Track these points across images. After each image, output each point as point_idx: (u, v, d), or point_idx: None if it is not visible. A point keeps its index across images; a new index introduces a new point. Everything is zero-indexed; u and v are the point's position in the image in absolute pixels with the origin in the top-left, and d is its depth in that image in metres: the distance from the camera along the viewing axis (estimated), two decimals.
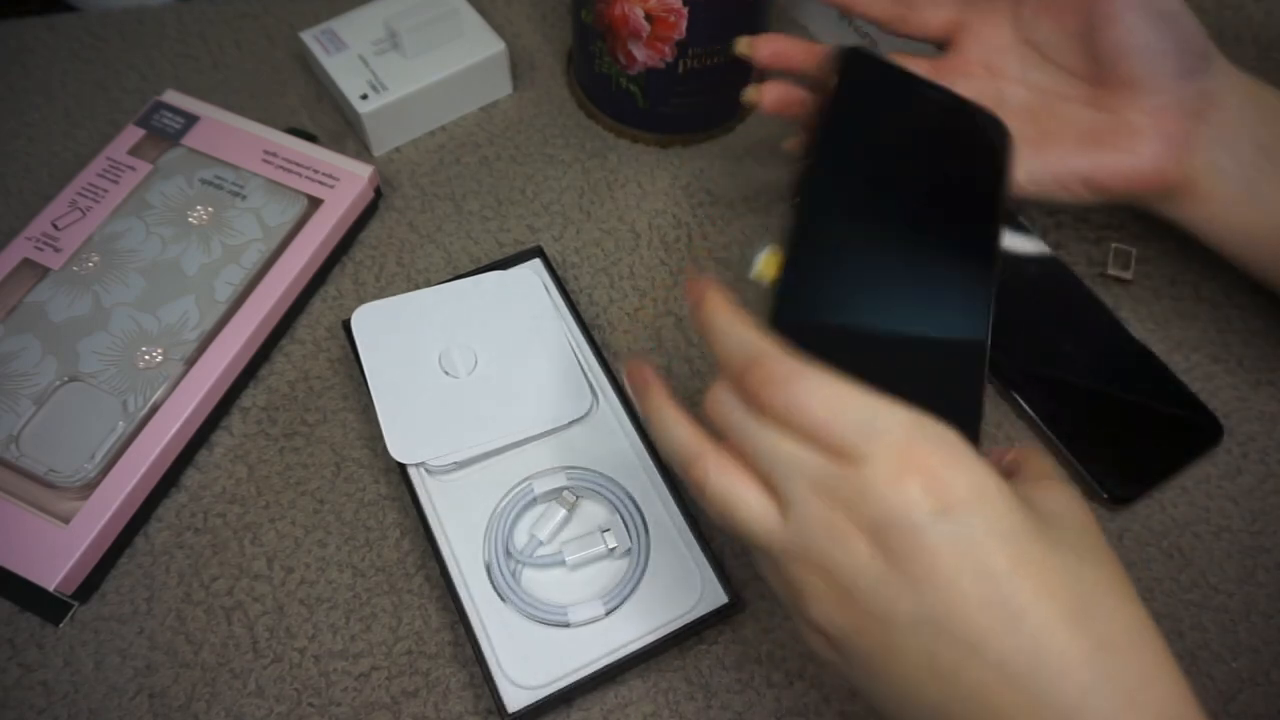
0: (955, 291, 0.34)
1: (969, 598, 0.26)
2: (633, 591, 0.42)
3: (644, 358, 0.34)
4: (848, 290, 0.33)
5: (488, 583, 0.42)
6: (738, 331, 0.30)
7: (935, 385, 0.32)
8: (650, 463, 0.45)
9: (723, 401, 0.30)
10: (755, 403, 0.29)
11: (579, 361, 0.48)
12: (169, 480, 0.46)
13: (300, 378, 0.50)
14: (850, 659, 0.29)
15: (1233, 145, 0.36)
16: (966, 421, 0.31)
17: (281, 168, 0.54)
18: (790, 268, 0.32)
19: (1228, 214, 0.37)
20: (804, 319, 0.31)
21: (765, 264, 0.32)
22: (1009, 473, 0.31)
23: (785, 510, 0.29)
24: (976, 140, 0.37)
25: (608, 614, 0.42)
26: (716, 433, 0.31)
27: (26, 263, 0.50)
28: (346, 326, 0.49)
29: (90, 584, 0.44)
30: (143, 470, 0.44)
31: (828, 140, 0.35)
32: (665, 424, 0.32)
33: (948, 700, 0.27)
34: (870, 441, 0.27)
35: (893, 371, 0.31)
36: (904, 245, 0.34)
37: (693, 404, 0.48)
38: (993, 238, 0.35)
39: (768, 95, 0.40)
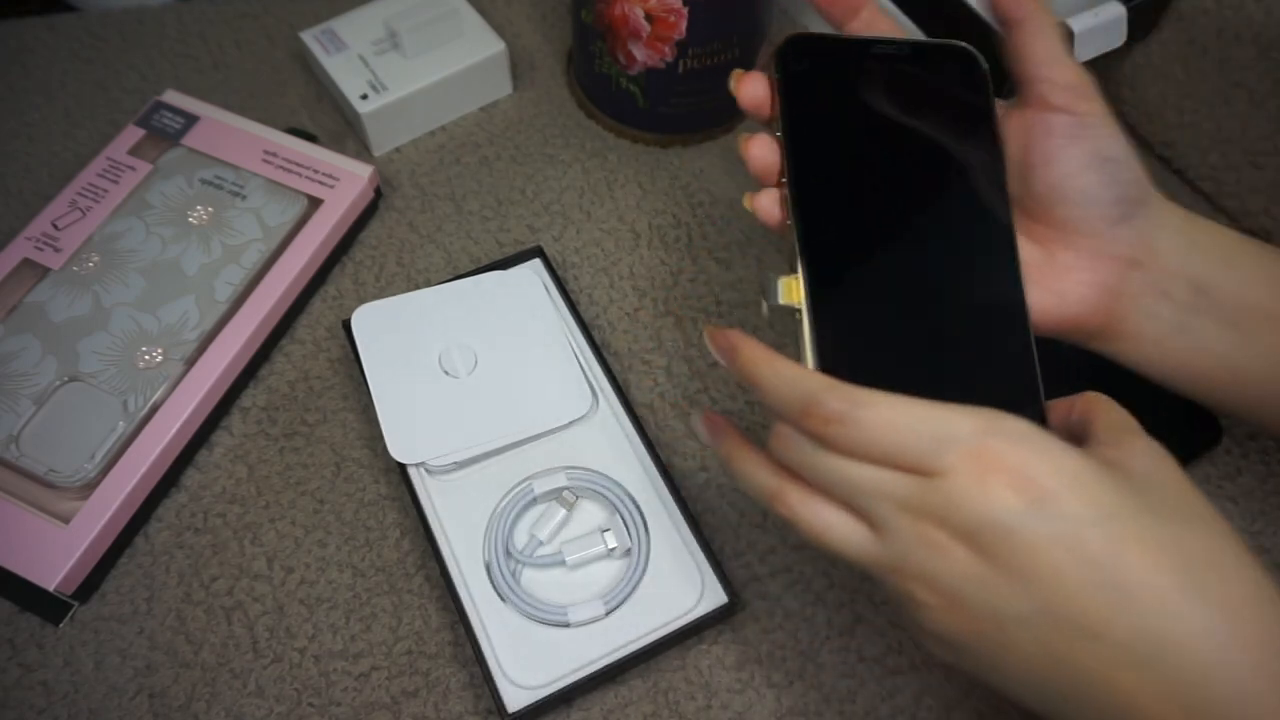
0: (980, 251, 0.32)
1: (1078, 586, 0.26)
2: (633, 591, 0.42)
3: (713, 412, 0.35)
4: (878, 298, 0.31)
5: (488, 583, 0.42)
6: (785, 374, 0.30)
7: (989, 362, 0.31)
8: (650, 463, 0.45)
9: (788, 439, 0.30)
10: (822, 441, 0.29)
11: (579, 361, 0.48)
12: (169, 480, 0.46)
13: (300, 378, 0.50)
14: (969, 659, 0.29)
15: (1167, 288, 0.34)
16: (1028, 389, 0.31)
17: (281, 168, 0.54)
18: (814, 300, 0.31)
19: (1159, 353, 0.35)
20: (847, 349, 0.30)
21: (787, 290, 0.31)
22: (1081, 432, 0.31)
23: (877, 530, 0.29)
24: (949, 80, 0.35)
25: (608, 614, 0.42)
26: (791, 470, 0.31)
27: (26, 263, 0.50)
28: (346, 326, 0.49)
29: (90, 584, 0.44)
30: (143, 470, 0.44)
31: (796, 145, 0.33)
32: (743, 465, 0.32)
33: (1073, 687, 0.27)
34: (946, 452, 0.27)
35: (948, 364, 0.31)
36: (915, 223, 0.33)
37: (691, 406, 0.49)
38: (1000, 175, 0.33)
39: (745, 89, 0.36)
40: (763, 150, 0.34)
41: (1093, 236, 0.34)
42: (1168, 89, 0.60)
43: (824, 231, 0.32)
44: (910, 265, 0.32)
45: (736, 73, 0.35)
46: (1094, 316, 0.35)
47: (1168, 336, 0.35)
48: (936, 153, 0.34)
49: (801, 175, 0.33)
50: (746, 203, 0.34)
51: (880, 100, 0.34)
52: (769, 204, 0.34)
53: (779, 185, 0.33)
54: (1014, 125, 0.34)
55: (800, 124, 0.33)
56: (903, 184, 0.33)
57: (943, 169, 0.34)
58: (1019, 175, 0.34)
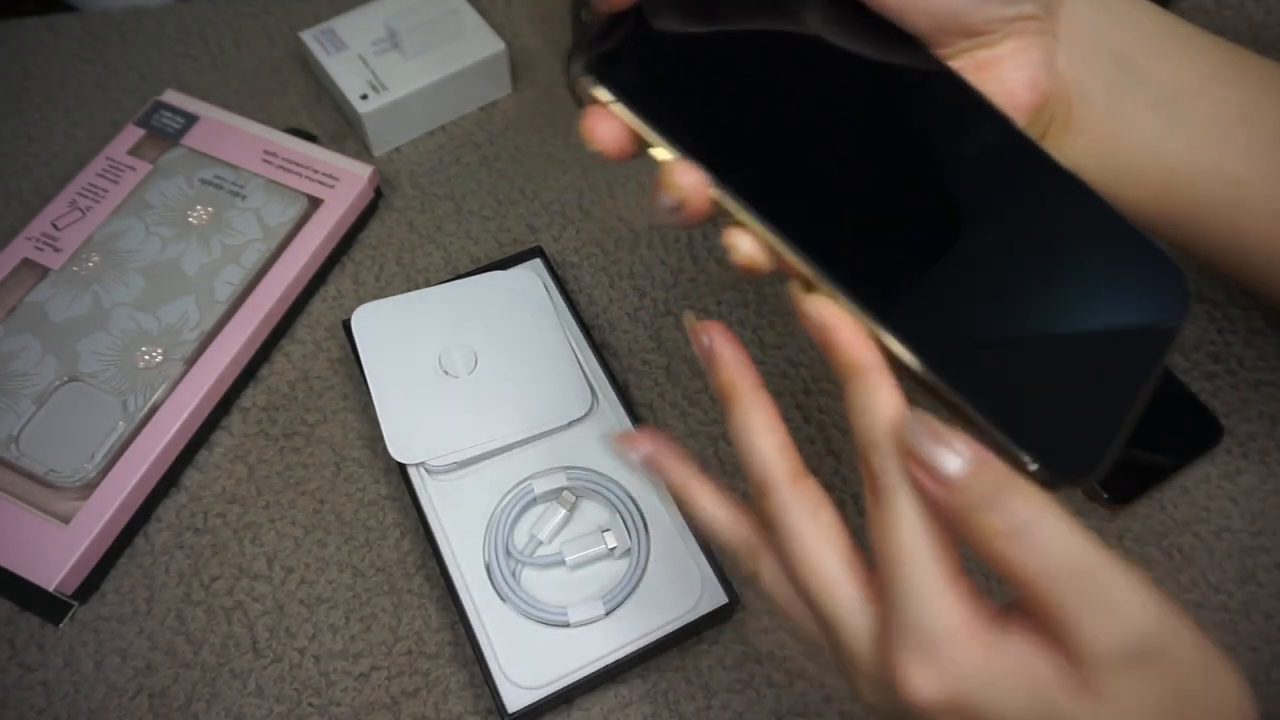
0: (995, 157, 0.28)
1: None
2: (633, 591, 0.42)
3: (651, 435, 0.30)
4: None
5: (488, 583, 0.42)
6: (756, 448, 0.27)
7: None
8: None
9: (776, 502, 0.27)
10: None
11: (579, 361, 0.48)
12: (169, 480, 0.46)
13: (300, 378, 0.50)
14: None
15: (1090, 60, 0.32)
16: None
17: (281, 168, 0.54)
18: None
19: (1100, 144, 0.32)
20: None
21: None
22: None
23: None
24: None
25: (608, 614, 0.42)
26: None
27: (26, 263, 0.50)
28: (346, 326, 0.49)
29: (90, 584, 0.44)
30: (143, 470, 0.44)
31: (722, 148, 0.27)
32: (706, 506, 0.29)
33: None
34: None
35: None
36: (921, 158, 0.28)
37: (691, 406, 0.49)
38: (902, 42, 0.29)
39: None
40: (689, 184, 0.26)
41: (998, 16, 0.30)
42: None
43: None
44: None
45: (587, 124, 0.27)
46: (1043, 101, 0.31)
47: (1106, 124, 0.32)
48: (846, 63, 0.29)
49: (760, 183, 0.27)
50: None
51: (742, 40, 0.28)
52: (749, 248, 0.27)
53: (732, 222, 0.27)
54: None
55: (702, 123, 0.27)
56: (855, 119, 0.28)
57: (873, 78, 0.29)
58: (898, 12, 0.30)
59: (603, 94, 0.26)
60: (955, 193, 0.28)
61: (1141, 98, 0.32)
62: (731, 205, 0.26)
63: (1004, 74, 0.31)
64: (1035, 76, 0.31)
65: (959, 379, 0.25)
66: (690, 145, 0.26)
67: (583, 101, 0.27)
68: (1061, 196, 0.28)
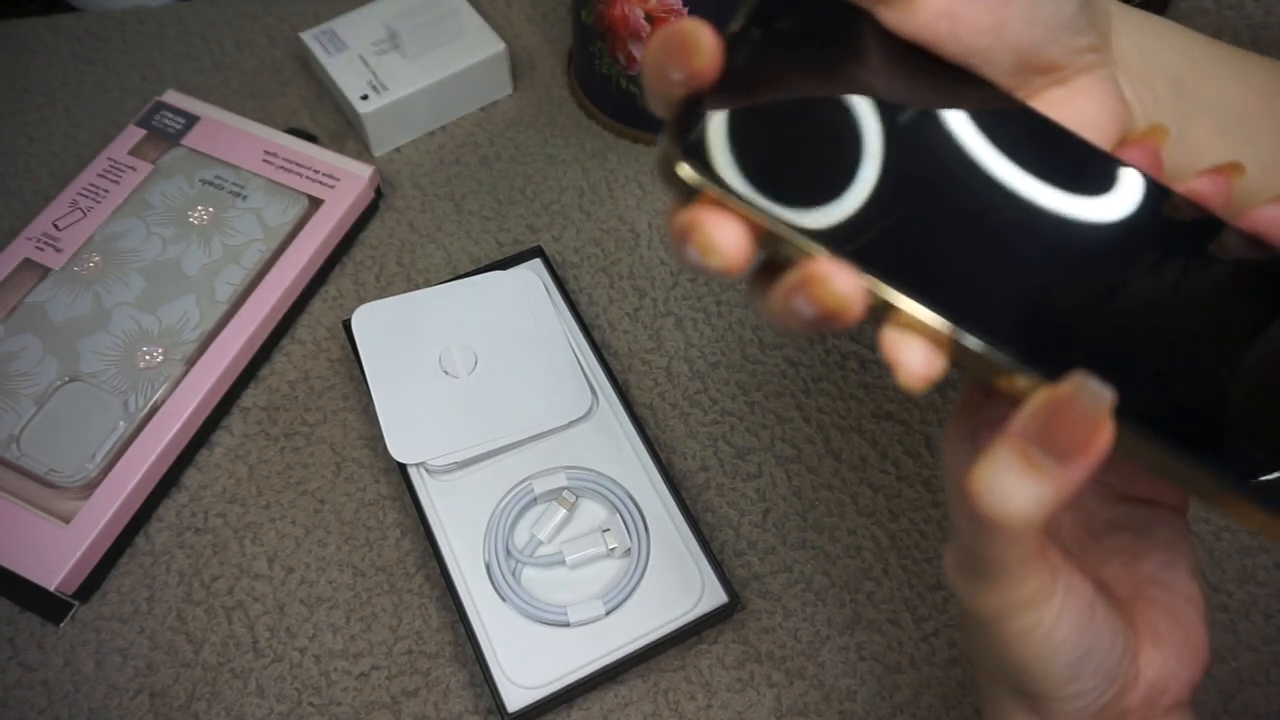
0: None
1: None
2: (633, 591, 0.42)
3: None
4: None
5: (488, 582, 0.42)
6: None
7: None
8: (650, 463, 0.45)
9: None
10: None
11: (579, 361, 0.48)
12: (169, 480, 0.46)
13: (300, 378, 0.50)
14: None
15: (1150, 87, 0.31)
16: None
17: (282, 168, 0.54)
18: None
19: (1174, 173, 0.31)
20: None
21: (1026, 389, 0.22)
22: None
23: None
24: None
25: (608, 614, 0.42)
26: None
27: (27, 263, 0.50)
28: (347, 326, 0.49)
29: (91, 584, 0.44)
30: (143, 470, 0.45)
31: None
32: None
33: None
34: None
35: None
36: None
37: (691, 406, 0.49)
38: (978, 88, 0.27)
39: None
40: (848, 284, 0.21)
41: (1072, 57, 0.29)
42: None
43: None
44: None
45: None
46: (1124, 131, 0.31)
47: (1175, 151, 0.31)
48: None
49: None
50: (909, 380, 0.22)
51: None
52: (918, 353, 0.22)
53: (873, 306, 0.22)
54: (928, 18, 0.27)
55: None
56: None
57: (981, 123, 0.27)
58: (984, 54, 0.28)
59: (713, 188, 0.21)
60: (1117, 257, 0.25)
61: (1205, 122, 0.32)
62: (907, 304, 0.21)
63: (1086, 109, 0.30)
64: (1115, 107, 0.30)
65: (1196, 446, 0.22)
66: (833, 234, 0.21)
67: (692, 195, 0.22)
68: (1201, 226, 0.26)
